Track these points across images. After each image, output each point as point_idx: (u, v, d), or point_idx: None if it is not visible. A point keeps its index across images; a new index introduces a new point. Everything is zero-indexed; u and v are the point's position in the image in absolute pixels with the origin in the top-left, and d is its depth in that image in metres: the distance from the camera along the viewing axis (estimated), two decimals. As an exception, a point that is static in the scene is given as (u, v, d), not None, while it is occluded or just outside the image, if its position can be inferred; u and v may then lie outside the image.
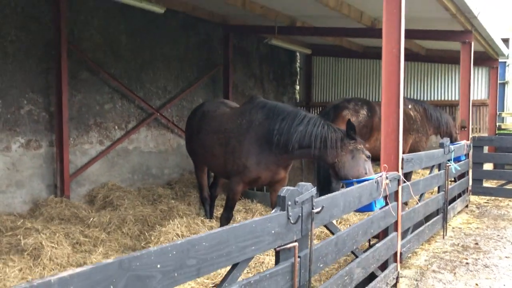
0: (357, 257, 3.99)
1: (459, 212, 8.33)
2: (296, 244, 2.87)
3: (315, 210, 3.03)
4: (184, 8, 9.85)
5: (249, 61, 13.08)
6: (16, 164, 7.28)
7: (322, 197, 3.31)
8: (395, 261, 4.91)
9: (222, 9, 10.25)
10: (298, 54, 15.54)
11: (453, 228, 7.44)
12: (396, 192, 4.84)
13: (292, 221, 2.80)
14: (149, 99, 9.79)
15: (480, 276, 5.29)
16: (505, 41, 13.67)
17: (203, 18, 10.54)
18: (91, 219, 6.48)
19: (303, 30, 10.58)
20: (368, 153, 5.15)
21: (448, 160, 6.99)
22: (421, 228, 5.95)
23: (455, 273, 5.37)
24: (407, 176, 7.35)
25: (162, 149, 10.11)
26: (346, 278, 3.66)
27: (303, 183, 3.03)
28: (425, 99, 13.92)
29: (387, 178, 4.44)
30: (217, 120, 5.93)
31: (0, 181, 7.06)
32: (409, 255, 5.97)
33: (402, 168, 4.91)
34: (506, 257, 5.97)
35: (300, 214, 2.93)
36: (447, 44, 11.40)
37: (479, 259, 5.88)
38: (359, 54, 14.00)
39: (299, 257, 2.96)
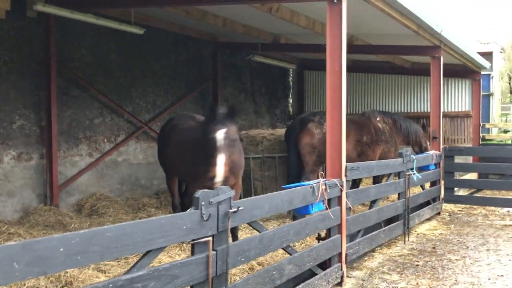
0: (290, 254, 4.43)
1: (428, 219, 8.69)
2: (210, 238, 3.34)
3: (231, 210, 3.50)
4: (173, 28, 10.48)
5: (240, 76, 13.63)
6: (8, 175, 7.87)
7: (244, 199, 3.79)
8: (340, 261, 5.32)
9: (210, 28, 10.85)
10: (290, 68, 16.07)
11: (417, 234, 7.81)
12: (339, 198, 5.27)
13: (205, 219, 3.28)
14: (138, 113, 10.37)
15: (425, 276, 5.66)
16: (489, 54, 14.06)
17: (192, 36, 11.16)
18: (72, 225, 7.02)
19: (285, 46, 11.11)
20: None
21: (411, 169, 7.38)
22: (374, 232, 6.35)
23: (401, 274, 5.75)
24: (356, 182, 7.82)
25: (151, 161, 10.64)
26: (274, 273, 4.10)
27: (222, 186, 3.52)
28: (413, 110, 14.29)
29: (325, 184, 4.89)
30: (184, 132, 6.45)
31: (-7, 191, 7.64)
32: (365, 258, 6.38)
33: (346, 176, 5.35)
34: (456, 259, 6.33)
35: (216, 213, 3.41)
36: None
37: (429, 261, 6.25)
38: (348, 68, 14.45)
39: (215, 250, 3.43)
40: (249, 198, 3.85)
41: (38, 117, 8.39)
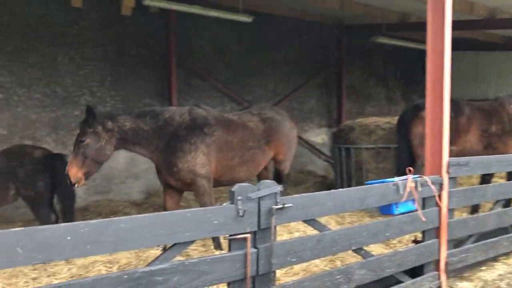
0: (364, 258, 3.98)
1: None
2: (248, 235, 3.14)
3: (275, 207, 3.24)
4: (294, 15, 10.29)
5: (369, 60, 12.87)
6: (134, 159, 8.64)
7: (299, 195, 3.48)
8: (437, 269, 4.63)
9: (334, 11, 10.38)
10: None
11: None
12: (438, 197, 4.57)
13: (240, 214, 3.09)
14: (258, 101, 10.45)
15: (554, 298, 4.63)
16: None
17: (315, 20, 10.83)
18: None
19: (415, 26, 10.09)
20: None
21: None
22: (493, 239, 5.39)
23: (522, 292, 4.79)
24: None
25: (270, 148, 10.70)
26: (339, 277, 3.72)
27: (265, 181, 3.28)
28: None
29: (416, 181, 4.28)
30: None
31: (121, 173, 8.48)
32: (481, 268, 5.47)
33: (448, 172, 4.62)
34: None
35: (257, 209, 3.19)
36: None
37: None
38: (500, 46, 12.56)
39: (256, 248, 3.22)
40: (305, 194, 3.53)
41: (160, 105, 9.02)
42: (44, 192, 5.76)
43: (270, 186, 3.25)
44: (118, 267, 4.98)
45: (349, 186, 8.24)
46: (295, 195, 3.47)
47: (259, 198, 3.20)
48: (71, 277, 4.77)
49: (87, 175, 5.11)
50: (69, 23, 8.03)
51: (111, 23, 8.42)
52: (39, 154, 5.79)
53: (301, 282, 3.51)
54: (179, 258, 3.18)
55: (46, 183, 5.76)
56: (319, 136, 11.83)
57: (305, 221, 3.57)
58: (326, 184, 9.84)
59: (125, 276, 2.66)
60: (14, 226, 6.68)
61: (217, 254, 3.07)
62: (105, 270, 4.86)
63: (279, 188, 3.28)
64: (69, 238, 2.47)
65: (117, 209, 7.49)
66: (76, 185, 5.07)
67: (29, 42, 7.64)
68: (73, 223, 2.52)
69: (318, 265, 4.98)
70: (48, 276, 4.78)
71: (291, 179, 10.54)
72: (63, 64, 8.00)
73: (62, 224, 2.48)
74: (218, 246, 5.39)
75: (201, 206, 5.44)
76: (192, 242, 2.98)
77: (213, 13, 7.92)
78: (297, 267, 4.85)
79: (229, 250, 3.15)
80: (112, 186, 8.49)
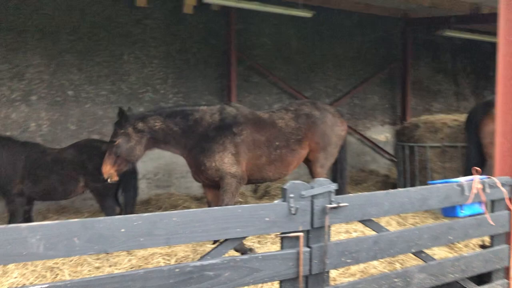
0: (424, 261, 3.79)
1: None
2: (301, 234, 3.08)
3: (329, 206, 3.15)
4: (356, 8, 10.04)
5: (437, 54, 12.28)
6: (195, 154, 8.82)
7: (355, 194, 3.36)
8: (507, 277, 4.32)
9: (400, 4, 10.01)
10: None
11: None
12: (510, 200, 4.25)
13: (292, 212, 3.03)
14: (318, 98, 10.31)
15: None
16: None
17: (379, 14, 10.50)
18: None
19: (485, 18, 9.49)
20: None
21: None
22: None
23: None
24: None
25: (330, 146, 10.52)
26: (396, 280, 3.56)
27: (320, 178, 3.20)
28: None
29: (483, 182, 4.01)
30: None
31: (182, 168, 8.66)
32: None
33: (521, 173, 4.28)
34: None
35: (310, 207, 3.11)
36: None
37: None
38: None
39: (309, 247, 3.15)
40: (362, 193, 3.40)
41: (220, 102, 9.13)
42: (110, 185, 6.02)
43: (324, 184, 3.16)
44: (176, 260, 5.10)
45: (413, 186, 7.93)
46: (351, 194, 3.36)
47: (312, 197, 3.12)
48: (131, 268, 4.94)
49: (119, 172, 5.40)
50: (134, 22, 8.33)
51: (174, 21, 8.64)
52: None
53: (356, 283, 3.39)
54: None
55: None
56: (382, 134, 11.48)
57: (361, 221, 3.44)
58: (388, 184, 9.53)
59: (177, 270, 2.69)
60: (80, 217, 7.05)
61: (269, 252, 3.03)
62: (163, 262, 4.99)
63: (333, 186, 3.19)
64: (123, 230, 2.53)
65: (177, 203, 7.68)
66: (108, 180, 5.38)
67: (97, 41, 8.00)
68: (127, 215, 2.58)
69: (376, 266, 4.82)
70: (110, 266, 4.98)
71: (352, 178, 10.33)
72: (129, 62, 8.31)
73: (116, 217, 2.54)
74: (240, 249, 5.19)
75: (220, 203, 5.48)
76: (243, 238, 2.96)
77: (273, 9, 7.90)
78: (354, 268, 4.73)
79: (281, 248, 3.11)
80: (173, 180, 8.71)
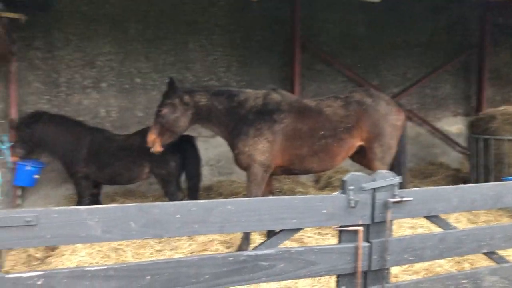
0: (497, 263, 3.51)
1: None
2: (360, 228, 2.94)
3: (392, 200, 2.98)
4: (430, -9, 9.51)
5: (519, 41, 11.36)
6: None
7: (420, 189, 3.16)
8: None
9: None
10: None
11: None
12: None
13: (352, 205, 2.89)
14: (385, 87, 9.91)
15: None
16: None
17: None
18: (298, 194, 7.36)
19: None
20: None
21: None
22: None
23: None
24: None
25: (397, 137, 10.10)
26: (464, 281, 3.33)
27: (382, 171, 3.03)
28: None
29: None
30: None
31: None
32: None
33: None
34: None
35: (371, 201, 2.96)
36: None
37: None
38: None
39: (369, 242, 3.01)
40: (428, 188, 3.19)
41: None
42: (175, 171, 6.15)
43: (387, 177, 2.99)
44: (235, 248, 5.12)
45: (486, 181, 7.43)
46: (416, 188, 3.16)
47: (374, 189, 2.97)
48: (191, 253, 5.03)
49: (163, 142, 5.46)
50: (200, 10, 8.39)
51: (238, 9, 8.61)
52: None
53: (419, 282, 3.20)
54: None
55: (177, 163, 6.13)
56: (454, 125, 10.83)
57: (427, 218, 3.24)
58: (459, 178, 9.00)
59: (231, 258, 2.66)
60: (145, 201, 7.28)
61: (325, 245, 2.93)
62: (221, 250, 5.02)
63: (397, 179, 3.01)
64: (178, 216, 2.54)
65: (238, 190, 7.72)
66: (152, 149, 5.45)
67: (164, 30, 8.16)
68: (182, 202, 2.59)
69: (443, 265, 4.56)
70: (171, 249, 5.09)
71: (420, 171, 9.88)
72: (194, 50, 8.41)
73: (172, 203, 2.55)
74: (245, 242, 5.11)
75: (246, 194, 5.37)
76: (299, 230, 2.88)
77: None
78: (418, 266, 4.51)
79: (339, 241, 2.99)
80: (235, 168, 8.70)
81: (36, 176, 6.47)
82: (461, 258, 4.66)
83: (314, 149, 5.35)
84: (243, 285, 2.67)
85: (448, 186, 3.28)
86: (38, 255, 5.26)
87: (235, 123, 5.36)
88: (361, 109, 5.50)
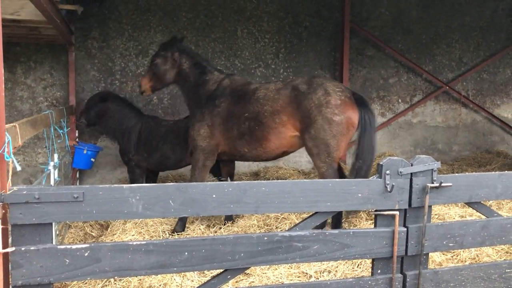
0: (545, 254, 3.37)
1: None
2: (396, 213, 2.93)
3: (431, 185, 2.94)
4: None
5: None
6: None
7: (461, 174, 3.09)
8: None
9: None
10: None
11: None
12: None
13: (388, 190, 2.89)
14: (439, 72, 9.58)
15: None
16: None
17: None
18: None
19: None
20: None
21: None
22: None
23: None
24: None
25: (451, 124, 9.77)
26: (509, 270, 3.24)
27: (420, 155, 3.00)
28: None
29: None
30: None
31: (291, 143, 8.72)
32: None
33: None
34: None
35: (409, 186, 2.94)
36: None
37: None
38: None
39: (406, 227, 2.99)
40: (470, 173, 3.11)
41: (333, 77, 8.94)
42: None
43: (425, 162, 2.96)
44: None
45: (546, 170, 7.04)
46: (457, 174, 3.10)
47: (412, 174, 2.95)
48: (233, 232, 5.16)
49: (153, 89, 5.86)
50: (249, -2, 8.46)
51: (287, -5, 8.60)
52: None
53: (459, 269, 3.15)
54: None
55: None
56: (515, 112, 10.32)
57: (468, 204, 3.17)
58: (517, 167, 8.60)
59: (265, 238, 2.75)
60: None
61: (361, 228, 2.95)
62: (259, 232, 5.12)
63: (436, 164, 2.97)
64: (214, 196, 2.65)
65: (284, 176, 7.79)
66: (143, 93, 5.94)
67: (213, 17, 8.29)
68: (218, 183, 2.69)
69: (491, 255, 4.42)
70: (215, 232, 5.25)
71: (475, 160, 9.52)
72: (242, 38, 8.49)
73: (208, 183, 2.66)
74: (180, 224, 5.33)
75: (190, 179, 5.48)
76: (333, 212, 2.91)
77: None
78: (464, 255, 4.40)
79: (375, 226, 3.00)
80: (282, 155, 8.83)
81: (93, 160, 6.84)
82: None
83: (240, 131, 5.11)
84: (276, 264, 2.74)
85: (491, 173, 3.18)
86: (93, 233, 5.60)
87: (195, 103, 5.55)
88: (292, 94, 4.86)
